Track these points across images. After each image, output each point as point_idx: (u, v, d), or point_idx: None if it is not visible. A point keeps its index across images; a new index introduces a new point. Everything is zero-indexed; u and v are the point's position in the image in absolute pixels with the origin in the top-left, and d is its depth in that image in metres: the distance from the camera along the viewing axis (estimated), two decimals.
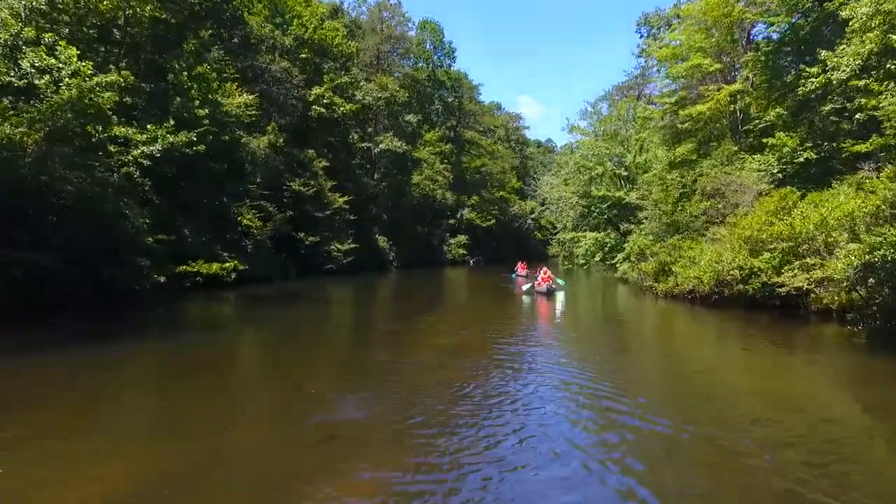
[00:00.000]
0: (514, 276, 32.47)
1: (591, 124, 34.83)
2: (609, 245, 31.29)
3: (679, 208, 21.32)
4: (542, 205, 49.80)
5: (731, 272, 15.29)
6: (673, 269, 19.48)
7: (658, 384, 8.95)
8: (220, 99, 27.11)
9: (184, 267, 22.31)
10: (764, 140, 20.61)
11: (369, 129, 46.47)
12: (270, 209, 32.48)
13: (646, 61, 41.51)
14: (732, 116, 26.31)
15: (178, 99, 23.69)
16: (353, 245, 36.18)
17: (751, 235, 15.28)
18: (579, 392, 8.05)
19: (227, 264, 22.91)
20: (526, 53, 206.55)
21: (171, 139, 22.03)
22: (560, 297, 20.32)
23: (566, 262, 36.71)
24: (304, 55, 36.14)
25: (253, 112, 28.22)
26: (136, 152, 21.34)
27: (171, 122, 22.48)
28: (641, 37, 42.12)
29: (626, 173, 31.11)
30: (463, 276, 43.60)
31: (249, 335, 14.09)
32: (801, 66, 20.27)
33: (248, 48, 32.95)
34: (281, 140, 31.66)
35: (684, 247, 19.81)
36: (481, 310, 19.30)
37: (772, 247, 14.94)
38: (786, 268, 13.72)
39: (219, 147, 26.78)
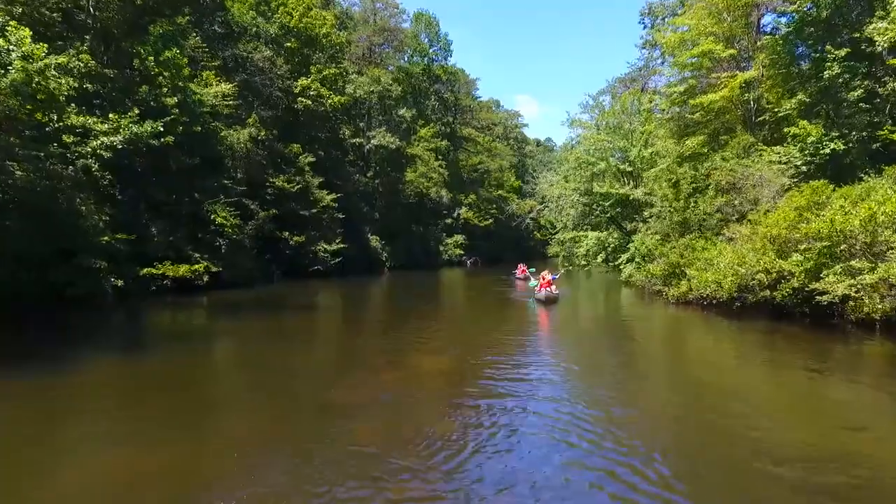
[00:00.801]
0: (513, 276, 30.67)
1: (593, 118, 32.91)
2: (612, 245, 29.37)
3: (691, 205, 19.38)
4: (542, 203, 47.89)
5: (757, 276, 13.37)
6: (686, 272, 17.57)
7: (681, 436, 6.92)
8: (195, 88, 25.21)
9: (149, 269, 20.40)
10: (785, 130, 18.70)
11: (361, 125, 44.55)
12: (252, 207, 30.60)
13: (650, 52, 39.65)
14: (745, 107, 24.43)
15: (144, 87, 21.74)
16: (342, 245, 34.26)
17: (778, 234, 13.37)
18: (583, 456, 5.99)
19: (198, 266, 21.00)
20: (524, 52, 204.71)
21: (135, 129, 20.16)
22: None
23: (566, 264, 34.77)
24: (289, 45, 34.21)
25: (231, 102, 26.28)
26: (95, 143, 19.45)
27: (136, 112, 20.62)
28: (645, 27, 40.21)
29: (630, 169, 29.19)
30: (459, 279, 41.69)
31: (193, 354, 12.16)
32: (827, 46, 18.35)
33: (230, 36, 31.07)
34: (263, 133, 29.75)
35: (697, 247, 17.90)
36: (475, 320, 17.25)
37: (803, 247, 13.04)
38: (826, 272, 11.77)
39: (193, 139, 24.91)
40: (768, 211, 15.50)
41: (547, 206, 36.73)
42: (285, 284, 30.77)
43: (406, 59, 53.84)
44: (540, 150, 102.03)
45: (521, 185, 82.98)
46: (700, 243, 18.02)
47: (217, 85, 26.62)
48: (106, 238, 18.04)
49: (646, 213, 29.06)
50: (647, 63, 39.79)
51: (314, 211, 33.10)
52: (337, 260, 33.78)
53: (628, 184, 29.91)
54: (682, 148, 23.41)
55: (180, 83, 22.85)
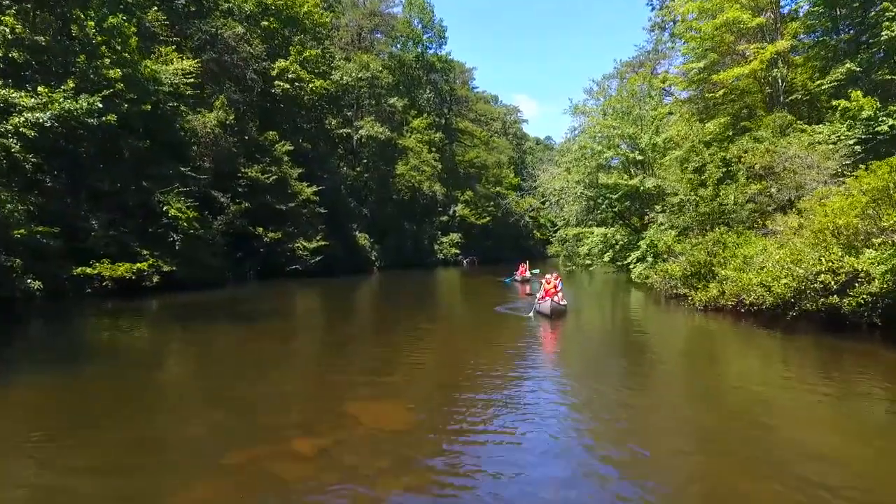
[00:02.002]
0: (508, 280, 27.50)
1: (599, 103, 29.89)
2: (620, 243, 26.39)
3: (720, 193, 16.39)
4: (542, 202, 44.86)
5: (821, 278, 10.40)
6: (716, 273, 14.61)
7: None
8: (151, 64, 22.23)
9: (83, 269, 17.41)
10: (836, 102, 15.75)
11: (349, 114, 41.58)
12: (222, 200, 27.67)
13: (659, 35, 36.66)
14: (772, 86, 21.52)
15: (82, 57, 18.77)
16: (323, 243, 31.26)
17: (847, 225, 10.42)
18: None
19: (141, 265, 18.00)
20: (522, 51, 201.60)
21: (67, 105, 17.19)
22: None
23: (568, 263, 31.75)
24: (266, 23, 31.23)
25: (192, 81, 23.28)
26: (17, 120, 16.46)
27: (71, 85, 17.66)
28: (653, 9, 37.26)
29: (640, 157, 26.22)
30: (454, 280, 38.70)
31: (92, 377, 9.19)
32: (885, 3, 15.40)
33: (199, 13, 28.10)
34: (232, 117, 26.74)
35: (729, 243, 14.93)
36: (468, 334, 13.76)
37: (878, 241, 10.10)
38: None
39: (149, 121, 21.98)
40: (823, 198, 12.54)
41: (548, 202, 33.71)
42: (259, 286, 27.79)
43: (398, 46, 50.83)
44: (539, 148, 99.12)
45: (520, 183, 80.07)
46: (732, 238, 15.05)
47: (179, 62, 23.62)
48: (22, 231, 15.07)
49: (658, 207, 26.18)
50: (657, 47, 36.86)
51: (292, 205, 30.11)
52: (317, 259, 30.79)
53: (638, 174, 26.95)
54: (702, 132, 20.45)
55: (127, 55, 19.86)
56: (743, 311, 13.12)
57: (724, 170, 16.69)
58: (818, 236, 11.19)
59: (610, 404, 7.41)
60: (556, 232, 59.69)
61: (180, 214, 20.31)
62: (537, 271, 28.61)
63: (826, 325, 11.38)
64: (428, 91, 52.68)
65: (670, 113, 28.65)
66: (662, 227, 24.56)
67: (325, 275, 31.94)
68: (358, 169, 45.20)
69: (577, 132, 33.71)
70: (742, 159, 16.41)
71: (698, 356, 10.94)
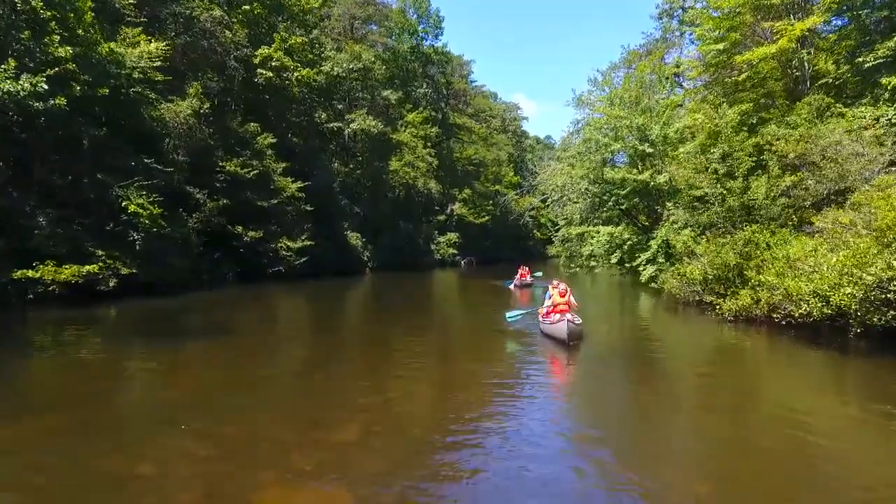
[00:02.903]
0: (508, 283, 25.44)
1: (605, 92, 27.70)
2: (629, 243, 24.28)
3: (751, 186, 14.25)
4: (543, 200, 42.60)
5: (894, 286, 8.32)
6: (748, 278, 12.55)
7: None
8: (115, 47, 20.14)
9: (24, 272, 15.32)
10: (885, 80, 13.68)
11: (340, 107, 39.46)
12: (198, 196, 25.60)
13: (667, 22, 34.61)
14: (800, 68, 19.45)
15: (27, 32, 16.67)
16: (309, 243, 29.17)
17: None
18: None
19: (91, 267, 15.91)
20: (519, 49, 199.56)
21: (5, 86, 15.17)
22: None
23: (571, 266, 29.59)
24: (248, 7, 29.11)
25: (159, 64, 21.18)
26: None
27: (13, 64, 15.63)
28: None
29: (650, 150, 24.11)
30: (451, 283, 36.66)
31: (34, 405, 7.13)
32: None
33: None
34: (207, 106, 24.63)
35: (761, 242, 12.83)
36: (463, 354, 11.40)
37: None
38: None
39: (109, 108, 19.91)
40: (886, 188, 10.44)
41: (550, 199, 31.58)
42: (238, 289, 25.73)
43: (393, 39, 48.67)
44: (540, 147, 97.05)
45: (520, 181, 77.97)
46: (764, 237, 12.95)
47: (146, 45, 21.51)
48: None
49: (669, 204, 24.09)
50: (664, 35, 34.80)
51: (275, 202, 28.01)
52: (302, 260, 28.69)
53: (647, 168, 24.84)
54: (723, 119, 18.31)
55: (81, 32, 17.77)
56: (784, 323, 11.03)
57: (755, 159, 14.57)
58: (885, 235, 9.10)
59: (634, 455, 5.32)
60: (557, 231, 57.65)
61: (141, 211, 18.20)
62: (540, 274, 26.40)
63: (886, 343, 9.32)
64: (424, 85, 50.62)
65: (679, 105, 26.59)
66: (676, 226, 22.50)
67: (312, 276, 29.88)
68: (351, 166, 43.09)
69: (580, 125, 31.57)
70: (773, 147, 14.30)
71: (738, 381, 8.84)
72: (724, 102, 17.00)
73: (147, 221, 18.27)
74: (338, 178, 40.52)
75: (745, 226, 14.13)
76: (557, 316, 10.76)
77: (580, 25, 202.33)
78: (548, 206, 41.08)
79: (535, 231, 79.74)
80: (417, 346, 11.97)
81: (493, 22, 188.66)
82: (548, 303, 11.52)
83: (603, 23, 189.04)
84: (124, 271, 17.74)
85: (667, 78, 25.77)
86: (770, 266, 11.49)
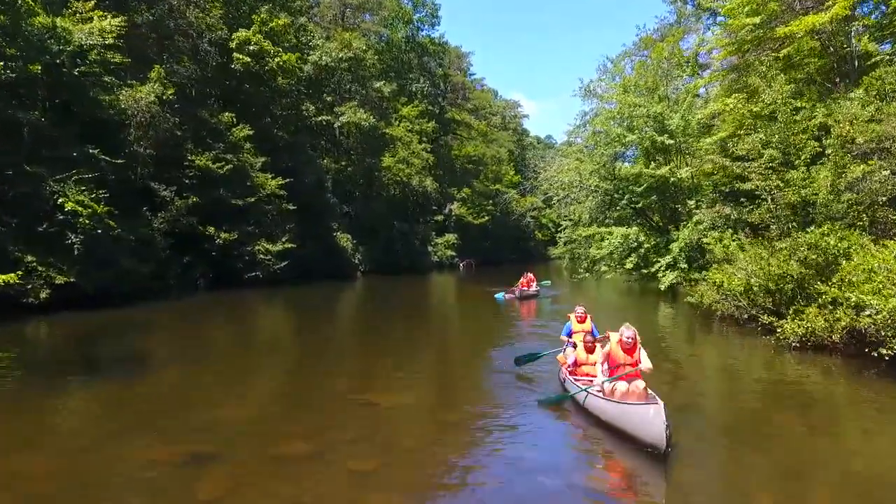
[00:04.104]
0: (500, 297, 21.20)
1: (618, 79, 25.00)
2: (646, 246, 21.60)
3: (813, 178, 11.54)
4: (548, 198, 39.85)
5: None
6: (813, 292, 9.88)
7: None
8: (61, 23, 17.52)
9: None
10: None
11: (329, 99, 36.81)
12: (164, 193, 22.97)
13: (681, 6, 31.97)
14: (845, 45, 16.79)
15: None
16: (290, 245, 26.50)
17: None
18: None
19: (7, 276, 13.21)
20: (517, 48, 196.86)
21: None
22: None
23: (580, 270, 26.84)
24: None
25: (112, 41, 18.52)
26: None
27: None
28: None
29: (670, 142, 21.44)
30: (448, 289, 33.99)
31: None
32: None
33: None
34: (171, 92, 21.95)
35: (830, 247, 10.13)
36: (459, 397, 8.84)
37: None
38: None
39: (52, 91, 17.28)
40: None
41: (555, 197, 28.93)
42: (209, 297, 23.09)
43: (387, 28, 45.98)
44: (540, 146, 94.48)
45: (520, 181, 75.37)
46: (834, 240, 10.25)
47: (99, 21, 18.85)
48: None
49: (691, 202, 21.43)
50: (679, 19, 32.19)
51: (252, 200, 25.34)
52: (283, 264, 26.01)
53: (664, 163, 22.19)
54: (777, 93, 15.37)
55: None
56: (874, 355, 8.34)
57: (817, 145, 11.90)
58: None
59: None
60: (561, 232, 54.86)
61: (80, 209, 15.51)
62: (548, 283, 23.49)
63: None
64: (421, 80, 47.95)
65: (697, 95, 23.93)
66: (701, 226, 19.86)
67: (296, 282, 27.26)
68: (343, 163, 40.47)
69: (588, 117, 28.89)
70: (837, 131, 11.61)
71: (818, 439, 6.15)
72: (778, 73, 14.18)
73: (87, 221, 15.57)
74: (327, 176, 37.93)
75: (802, 227, 11.46)
76: (622, 386, 6.14)
77: (580, 25, 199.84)
78: (553, 205, 38.32)
79: (536, 232, 77.19)
80: (409, 379, 9.29)
81: (492, 20, 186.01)
82: (570, 352, 7.70)
83: (604, 22, 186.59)
84: (60, 280, 15.06)
85: (687, 62, 23.10)
86: (851, 278, 8.80)
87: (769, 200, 12.51)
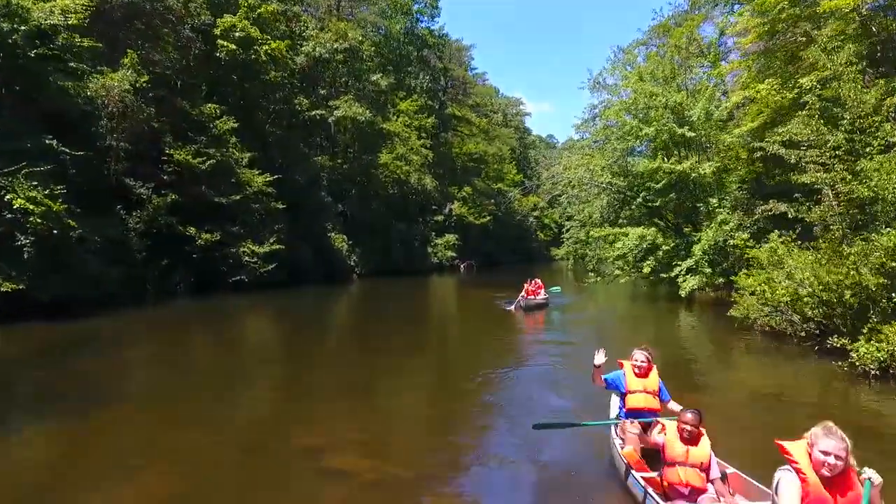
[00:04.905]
0: (508, 305, 18.40)
1: (625, 76, 23.10)
2: (666, 248, 19.75)
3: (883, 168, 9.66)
4: (556, 195, 37.92)
5: None
6: (887, 306, 8.06)
7: None
8: (23, 2, 15.73)
9: None
10: None
11: (323, 92, 34.98)
12: (139, 190, 21.18)
13: None
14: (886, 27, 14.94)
15: None
16: (279, 246, 24.66)
17: None
18: None
19: None
20: (516, 47, 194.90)
21: None
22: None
23: (590, 275, 24.94)
24: None
25: (75, 22, 16.70)
26: None
27: None
28: None
29: (691, 134, 19.62)
30: (448, 294, 32.13)
31: None
32: None
33: None
34: (145, 79, 20.13)
35: None
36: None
37: None
38: None
39: (5, 75, 15.48)
40: None
41: (563, 196, 27.07)
42: (189, 303, 21.26)
43: (384, 25, 44.11)
44: (542, 145, 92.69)
45: (522, 180, 73.57)
46: None
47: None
48: None
49: (713, 200, 19.59)
50: (693, 7, 30.35)
51: (238, 198, 23.50)
52: (270, 266, 24.17)
53: (690, 157, 20.39)
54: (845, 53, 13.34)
55: None
56: None
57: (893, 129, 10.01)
58: None
59: None
60: (565, 233, 52.96)
61: (32, 206, 13.67)
62: (558, 290, 21.46)
63: None
64: (421, 75, 46.08)
65: (722, 82, 22.08)
66: (727, 227, 18.05)
67: (287, 286, 25.44)
68: (339, 160, 38.65)
69: (597, 110, 27.05)
70: None
71: None
72: (844, 42, 12.25)
73: (40, 220, 13.73)
74: (322, 173, 36.12)
75: (861, 228, 9.62)
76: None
77: (580, 24, 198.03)
78: (557, 204, 36.51)
79: (538, 232, 75.44)
80: (405, 413, 7.48)
81: (488, 15, 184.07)
82: (618, 408, 5.46)
83: (603, 22, 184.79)
84: (6, 287, 13.23)
85: (708, 48, 21.25)
86: None
87: (830, 196, 10.65)
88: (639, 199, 21.40)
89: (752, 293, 12.18)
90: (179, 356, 12.11)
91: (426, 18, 43.48)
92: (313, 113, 34.07)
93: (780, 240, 11.30)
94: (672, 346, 12.45)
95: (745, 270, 14.81)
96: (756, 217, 16.94)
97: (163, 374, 10.11)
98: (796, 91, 14.06)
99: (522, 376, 9.70)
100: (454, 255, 48.60)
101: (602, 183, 22.87)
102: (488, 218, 53.36)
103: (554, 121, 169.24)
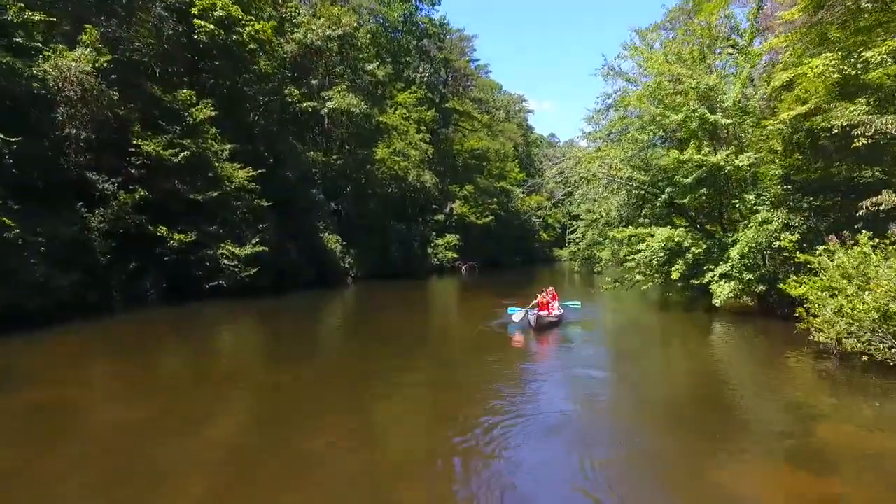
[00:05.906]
0: (513, 328, 14.83)
1: (647, 56, 20.73)
2: (695, 251, 17.40)
3: None
4: (557, 202, 35.44)
5: None
6: None
7: None
8: None
9: None
10: None
11: (314, 83, 32.64)
12: (103, 186, 18.88)
13: None
14: None
15: None
16: (262, 248, 22.32)
17: None
18: None
19: None
20: (515, 46, 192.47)
21: None
22: None
23: (608, 280, 22.48)
24: None
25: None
26: None
27: None
28: None
29: (726, 121, 17.29)
30: (450, 299, 29.86)
31: None
32: None
33: None
34: (107, 59, 17.82)
35: None
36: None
37: None
38: None
39: None
40: None
41: (576, 192, 24.79)
42: (160, 312, 18.94)
43: (382, 13, 41.76)
44: (545, 144, 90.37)
45: (525, 178, 71.24)
46: None
47: None
48: None
49: (750, 197, 17.22)
50: None
51: (216, 194, 21.15)
52: (252, 270, 21.84)
53: (721, 148, 18.09)
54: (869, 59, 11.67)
55: None
56: None
57: None
58: None
59: None
60: (570, 233, 50.52)
61: None
62: (577, 304, 18.42)
63: None
64: (421, 66, 43.78)
65: (761, 61, 19.74)
66: (770, 226, 15.74)
67: (274, 291, 23.17)
68: (334, 157, 36.32)
69: (612, 99, 24.70)
70: None
71: None
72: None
73: None
74: (314, 169, 33.83)
75: None
76: None
77: (580, 21, 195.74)
78: (574, 200, 34.05)
79: (541, 232, 73.16)
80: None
81: (487, 14, 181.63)
82: None
83: (603, 22, 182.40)
84: None
85: (743, 23, 18.91)
86: None
87: None
88: (664, 196, 19.05)
89: (839, 311, 9.69)
90: (134, 375, 9.77)
91: (426, 6, 41.12)
92: (305, 105, 31.75)
93: (871, 242, 8.96)
94: (732, 368, 10.07)
95: (793, 277, 12.59)
96: (806, 215, 14.69)
97: (115, 392, 7.79)
98: (861, 65, 11.86)
99: (531, 431, 7.25)
100: (455, 256, 46.37)
101: (622, 178, 20.56)
102: (490, 217, 51.09)
103: (556, 120, 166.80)
